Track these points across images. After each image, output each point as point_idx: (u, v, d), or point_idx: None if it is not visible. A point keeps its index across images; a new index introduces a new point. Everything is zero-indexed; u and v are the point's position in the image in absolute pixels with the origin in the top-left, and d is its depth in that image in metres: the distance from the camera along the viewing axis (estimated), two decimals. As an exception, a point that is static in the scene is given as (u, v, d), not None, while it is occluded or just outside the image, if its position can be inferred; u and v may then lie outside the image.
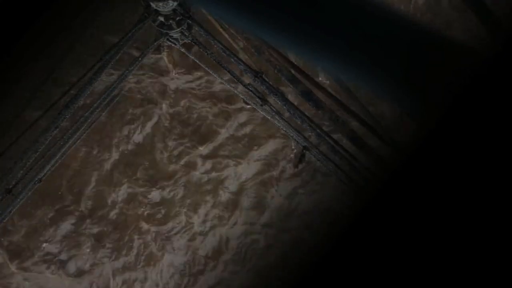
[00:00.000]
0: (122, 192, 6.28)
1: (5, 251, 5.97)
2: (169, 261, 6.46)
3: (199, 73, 5.94)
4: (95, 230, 6.24)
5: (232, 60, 4.13)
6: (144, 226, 6.37)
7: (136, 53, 4.86)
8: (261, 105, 4.56)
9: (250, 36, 3.88)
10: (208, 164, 6.34)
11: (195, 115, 6.24)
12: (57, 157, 4.76)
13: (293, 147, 6.17)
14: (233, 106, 6.12)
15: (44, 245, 6.11)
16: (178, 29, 4.02)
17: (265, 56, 3.91)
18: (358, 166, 4.29)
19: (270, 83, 4.25)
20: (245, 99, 5.02)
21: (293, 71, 3.94)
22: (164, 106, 6.19)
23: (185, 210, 6.41)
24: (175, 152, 6.31)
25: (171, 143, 6.28)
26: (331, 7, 0.79)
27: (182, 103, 6.19)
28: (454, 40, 0.80)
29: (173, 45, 4.33)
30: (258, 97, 4.53)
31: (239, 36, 4.02)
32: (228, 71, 4.41)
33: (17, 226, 5.93)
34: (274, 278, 6.12)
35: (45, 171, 4.66)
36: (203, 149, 6.31)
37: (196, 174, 6.38)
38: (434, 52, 0.80)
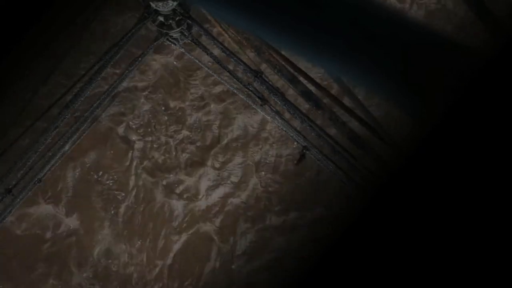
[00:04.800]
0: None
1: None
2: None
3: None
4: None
5: (232, 60, 4.12)
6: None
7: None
8: (261, 105, 4.55)
9: (250, 36, 3.87)
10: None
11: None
12: (57, 157, 4.76)
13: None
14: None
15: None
16: (178, 29, 4.01)
17: (265, 56, 3.90)
18: (358, 166, 4.28)
19: (270, 83, 4.24)
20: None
21: (293, 71, 3.93)
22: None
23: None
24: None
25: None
26: (331, 7, 0.79)
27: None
28: (454, 40, 0.80)
29: (173, 45, 4.33)
30: (258, 97, 4.53)
31: (239, 36, 4.01)
32: (228, 71, 4.40)
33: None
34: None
35: (45, 171, 4.66)
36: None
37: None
38: (434, 52, 0.80)
